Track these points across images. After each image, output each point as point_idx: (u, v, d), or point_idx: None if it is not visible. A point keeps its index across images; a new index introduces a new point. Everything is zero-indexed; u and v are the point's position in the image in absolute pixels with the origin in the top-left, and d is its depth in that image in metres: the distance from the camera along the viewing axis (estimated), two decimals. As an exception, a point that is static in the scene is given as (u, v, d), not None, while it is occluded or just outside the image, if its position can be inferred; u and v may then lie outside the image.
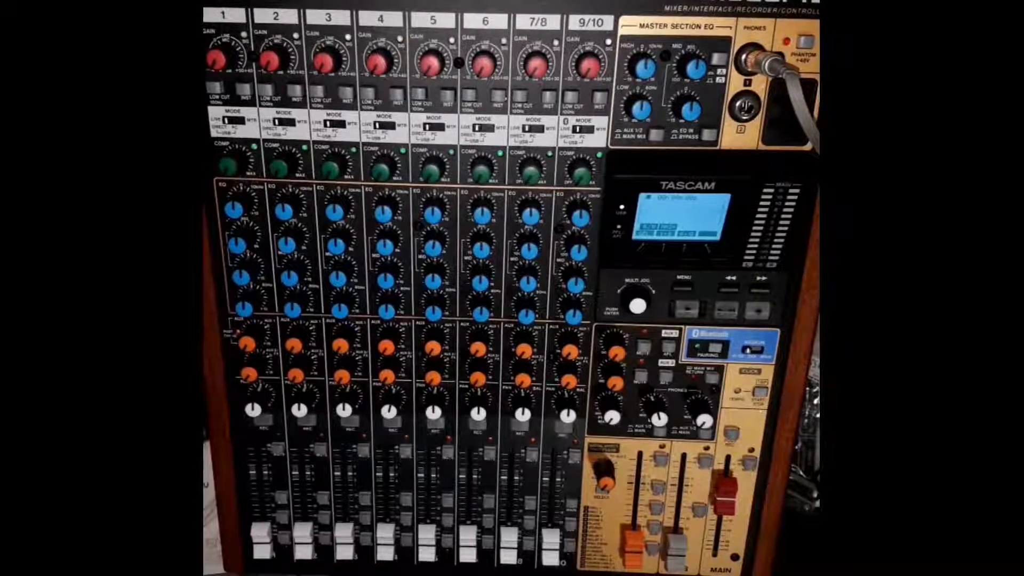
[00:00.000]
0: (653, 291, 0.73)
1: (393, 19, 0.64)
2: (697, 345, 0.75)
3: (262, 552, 0.83)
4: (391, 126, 0.68)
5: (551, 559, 0.83)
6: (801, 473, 0.97)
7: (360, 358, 0.77)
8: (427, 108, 0.67)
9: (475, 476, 0.81)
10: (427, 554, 0.83)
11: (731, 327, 0.75)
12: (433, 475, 0.81)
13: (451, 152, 0.69)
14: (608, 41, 0.65)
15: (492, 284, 0.73)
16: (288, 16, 0.64)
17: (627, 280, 0.73)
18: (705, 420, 0.76)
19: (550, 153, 0.69)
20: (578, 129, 0.68)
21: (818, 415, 0.99)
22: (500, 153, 0.69)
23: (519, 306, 0.74)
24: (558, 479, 0.81)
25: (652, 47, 0.65)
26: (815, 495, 0.94)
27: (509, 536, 0.82)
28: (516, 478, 0.81)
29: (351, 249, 0.72)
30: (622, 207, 0.69)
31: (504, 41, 0.65)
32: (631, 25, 0.65)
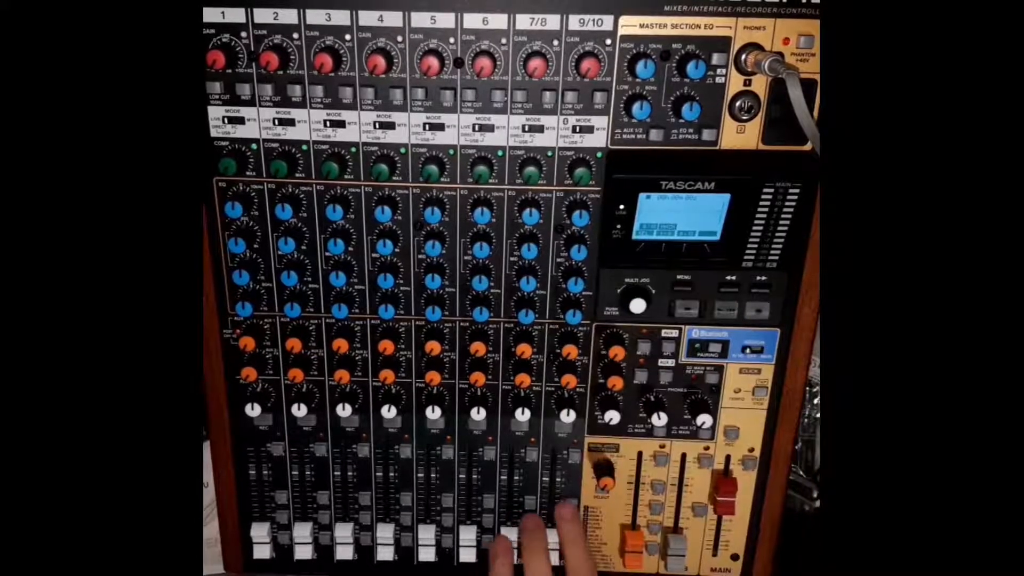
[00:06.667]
0: (653, 291, 0.73)
1: (393, 19, 0.64)
2: (697, 345, 0.75)
3: (262, 552, 0.83)
4: (391, 126, 0.68)
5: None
6: (801, 473, 0.97)
7: (360, 358, 0.77)
8: (427, 108, 0.67)
9: (475, 476, 0.81)
10: (427, 554, 0.83)
11: (731, 327, 0.75)
12: (433, 475, 0.81)
13: (451, 152, 0.69)
14: (608, 41, 0.65)
15: (492, 284, 0.74)
16: (288, 16, 0.64)
17: (627, 280, 0.73)
18: (705, 420, 0.76)
19: (550, 153, 0.69)
20: (578, 129, 0.68)
21: (818, 415, 0.99)
22: (500, 153, 0.69)
23: (519, 306, 0.74)
24: (558, 479, 0.81)
25: (652, 47, 0.65)
26: (815, 495, 0.94)
27: (509, 536, 0.82)
28: (516, 478, 0.81)
29: (351, 249, 0.72)
30: (622, 207, 0.69)
31: (504, 41, 0.65)
32: (631, 25, 0.65)
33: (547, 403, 0.78)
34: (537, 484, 0.81)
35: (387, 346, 0.75)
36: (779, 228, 0.70)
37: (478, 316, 0.73)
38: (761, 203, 0.68)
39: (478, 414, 0.76)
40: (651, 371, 0.76)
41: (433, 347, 0.75)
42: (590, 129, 0.68)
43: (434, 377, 0.76)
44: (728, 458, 0.80)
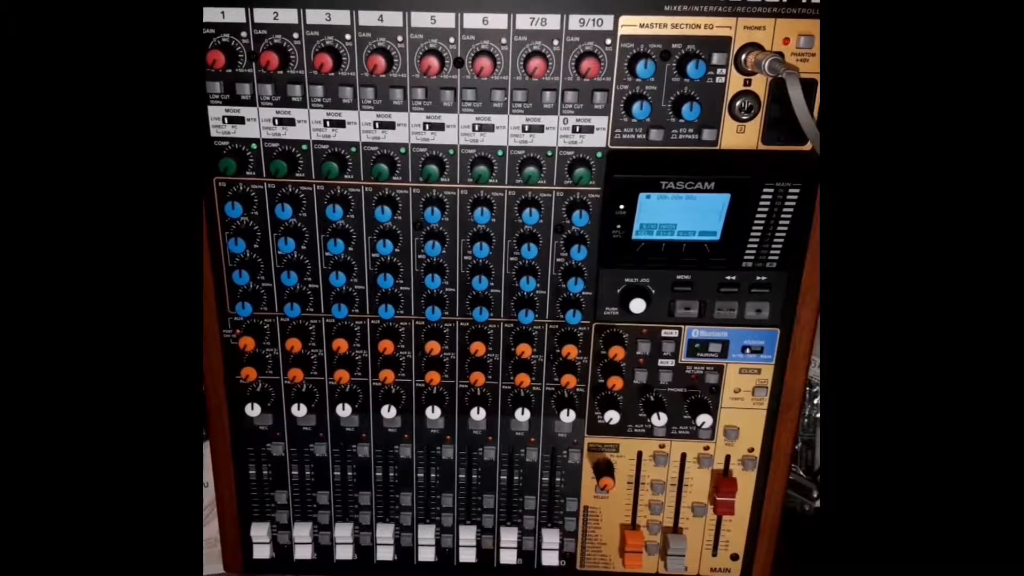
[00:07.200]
0: (653, 291, 0.73)
1: (393, 19, 0.64)
2: (697, 345, 0.75)
3: (262, 552, 0.83)
4: (391, 126, 0.68)
5: (551, 559, 0.83)
6: (801, 473, 0.97)
7: (360, 358, 0.77)
8: (427, 108, 0.67)
9: (475, 476, 0.81)
10: (427, 554, 0.83)
11: (731, 327, 0.75)
12: (433, 475, 0.81)
13: (451, 152, 0.69)
14: (608, 41, 0.65)
15: (492, 284, 0.73)
16: (288, 16, 0.64)
17: (627, 280, 0.73)
18: (705, 420, 0.76)
19: (550, 153, 0.69)
20: (578, 129, 0.68)
21: (818, 415, 0.99)
22: (500, 153, 0.69)
23: (519, 306, 0.74)
24: (558, 479, 0.81)
25: (652, 47, 0.65)
26: (815, 495, 0.94)
27: (509, 536, 0.83)
28: (516, 478, 0.81)
29: (351, 249, 0.72)
30: (622, 207, 0.69)
31: (504, 41, 0.65)
32: (631, 25, 0.65)
33: (547, 403, 0.78)
34: (537, 484, 0.81)
35: (387, 346, 0.75)
36: (779, 228, 0.70)
37: (478, 316, 0.73)
38: (761, 203, 0.68)
39: (478, 414, 0.76)
40: (651, 371, 0.77)
41: (433, 347, 0.75)
42: (590, 129, 0.68)
43: (434, 377, 0.76)
44: (728, 458, 0.80)
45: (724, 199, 0.68)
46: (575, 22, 0.64)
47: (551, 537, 0.82)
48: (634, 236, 0.70)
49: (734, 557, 0.84)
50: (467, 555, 0.83)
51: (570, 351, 0.75)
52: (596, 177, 0.69)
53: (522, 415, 0.76)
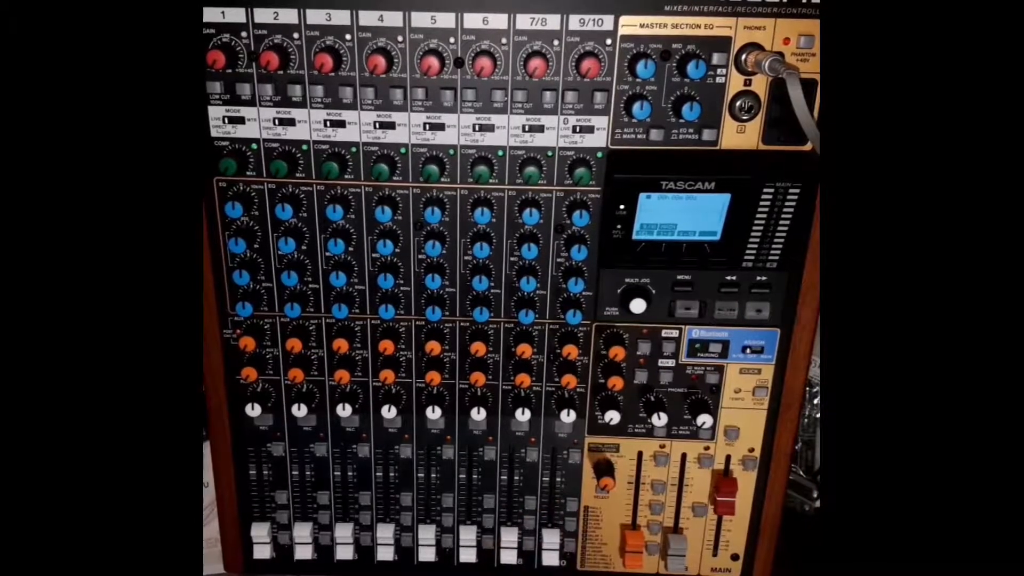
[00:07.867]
0: (653, 291, 0.73)
1: (393, 19, 0.64)
2: (697, 345, 0.75)
3: (262, 552, 0.83)
4: (391, 126, 0.68)
5: (551, 559, 0.83)
6: (801, 473, 0.97)
7: (360, 358, 0.77)
8: (427, 108, 0.67)
9: (475, 476, 0.81)
10: (427, 554, 0.83)
11: (731, 327, 0.75)
12: (433, 475, 0.81)
13: (451, 152, 0.69)
14: (608, 41, 0.65)
15: (492, 284, 0.73)
16: (288, 16, 0.64)
17: (627, 280, 0.73)
18: (705, 420, 0.76)
19: (550, 153, 0.69)
20: (578, 129, 0.68)
21: (818, 415, 0.99)
22: (500, 153, 0.69)
23: (519, 306, 0.74)
24: (558, 479, 0.81)
25: (652, 47, 0.65)
26: (815, 495, 0.94)
27: (509, 536, 0.83)
28: (516, 478, 0.81)
29: (351, 249, 0.72)
30: (622, 207, 0.69)
31: (504, 41, 0.65)
32: (631, 25, 0.65)
33: (547, 403, 0.78)
34: (537, 484, 0.81)
35: (387, 346, 0.75)
36: (779, 228, 0.70)
37: (478, 316, 0.73)
38: (761, 203, 0.68)
39: (478, 414, 0.76)
40: (651, 371, 0.76)
41: (433, 347, 0.75)
42: (590, 129, 0.68)
43: (434, 377, 0.76)
44: (728, 458, 0.80)
45: (724, 199, 0.68)
46: (575, 22, 0.64)
47: (551, 537, 0.82)
48: (634, 236, 0.70)
49: (734, 557, 0.84)
50: (467, 555, 0.83)
51: (570, 351, 0.75)
52: (596, 177, 0.69)
53: (522, 415, 0.76)
